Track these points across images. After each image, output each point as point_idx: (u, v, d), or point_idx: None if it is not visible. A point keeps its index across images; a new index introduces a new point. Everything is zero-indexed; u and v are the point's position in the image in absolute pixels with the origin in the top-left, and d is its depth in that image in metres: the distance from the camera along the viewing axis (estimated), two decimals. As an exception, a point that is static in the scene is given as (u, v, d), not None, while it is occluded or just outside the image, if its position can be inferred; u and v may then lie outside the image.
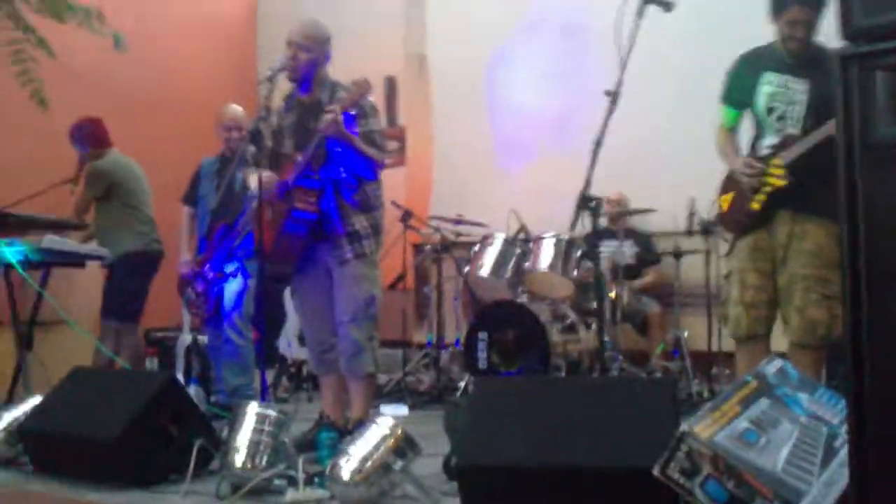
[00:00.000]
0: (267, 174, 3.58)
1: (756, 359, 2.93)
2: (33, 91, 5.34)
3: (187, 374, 5.33)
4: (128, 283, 5.24)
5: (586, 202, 3.20)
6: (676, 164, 5.85)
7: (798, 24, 3.30)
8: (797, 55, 3.36)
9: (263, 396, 3.64)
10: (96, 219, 5.35)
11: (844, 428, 2.13)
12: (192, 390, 4.50)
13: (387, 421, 2.83)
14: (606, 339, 5.02)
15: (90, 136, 5.35)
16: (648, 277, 5.91)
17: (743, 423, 2.21)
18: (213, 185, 4.91)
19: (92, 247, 4.91)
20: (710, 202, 3.94)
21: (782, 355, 3.28)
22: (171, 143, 7.30)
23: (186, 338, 5.63)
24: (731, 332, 3.49)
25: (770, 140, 3.45)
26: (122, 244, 5.20)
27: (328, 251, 3.64)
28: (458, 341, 5.69)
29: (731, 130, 3.64)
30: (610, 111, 3.21)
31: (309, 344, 3.84)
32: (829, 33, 2.22)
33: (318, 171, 3.59)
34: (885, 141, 2.00)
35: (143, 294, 5.31)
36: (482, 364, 4.91)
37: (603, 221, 5.60)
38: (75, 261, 4.76)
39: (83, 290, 5.54)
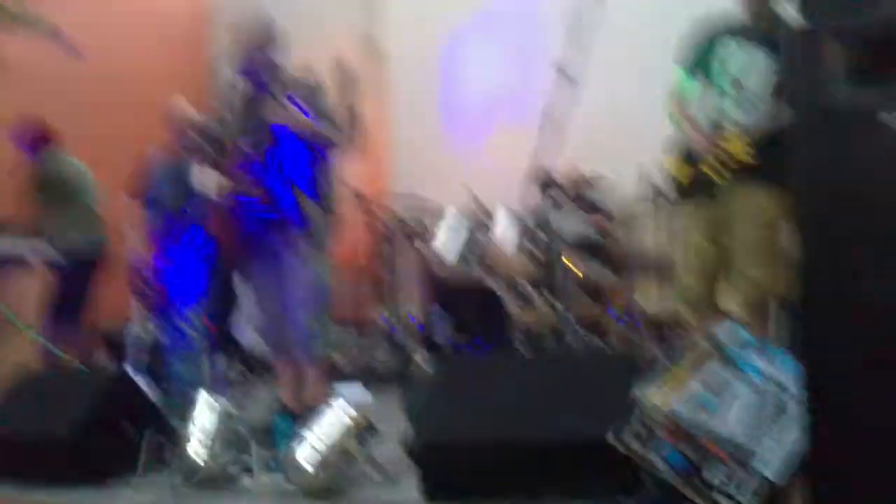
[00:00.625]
0: (220, 180, 3.58)
1: (707, 321, 2.94)
2: None
3: (137, 366, 5.25)
4: (78, 281, 5.14)
5: (541, 178, 3.18)
6: (629, 137, 5.84)
7: None
8: (760, 27, 3.32)
9: (216, 385, 3.60)
10: (44, 218, 5.19)
11: (793, 385, 2.16)
12: (144, 382, 4.43)
13: (343, 404, 2.80)
14: (563, 310, 5.05)
15: (35, 139, 5.25)
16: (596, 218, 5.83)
17: (696, 387, 2.21)
18: (171, 188, 4.79)
19: (37, 246, 4.82)
20: (659, 168, 3.92)
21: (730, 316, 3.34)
22: (123, 141, 7.14)
23: (136, 329, 5.54)
24: (682, 297, 3.50)
25: (734, 111, 3.39)
26: (72, 243, 5.09)
27: (278, 234, 3.58)
28: (411, 317, 5.67)
29: (688, 97, 3.57)
30: (562, 88, 3.17)
31: (263, 330, 3.79)
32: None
33: (263, 154, 3.53)
34: (833, 106, 2.02)
35: (90, 291, 5.22)
36: (440, 340, 4.89)
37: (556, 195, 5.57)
38: (20, 261, 4.68)
39: (27, 291, 5.40)
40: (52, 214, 5.16)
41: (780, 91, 3.21)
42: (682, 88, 3.59)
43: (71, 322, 5.14)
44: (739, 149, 3.31)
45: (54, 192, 5.16)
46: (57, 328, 5.08)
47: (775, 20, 3.29)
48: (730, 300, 3.44)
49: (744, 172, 3.33)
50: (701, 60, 3.49)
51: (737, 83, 3.39)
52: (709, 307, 3.41)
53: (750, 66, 3.35)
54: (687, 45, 3.57)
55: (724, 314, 3.30)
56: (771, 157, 3.07)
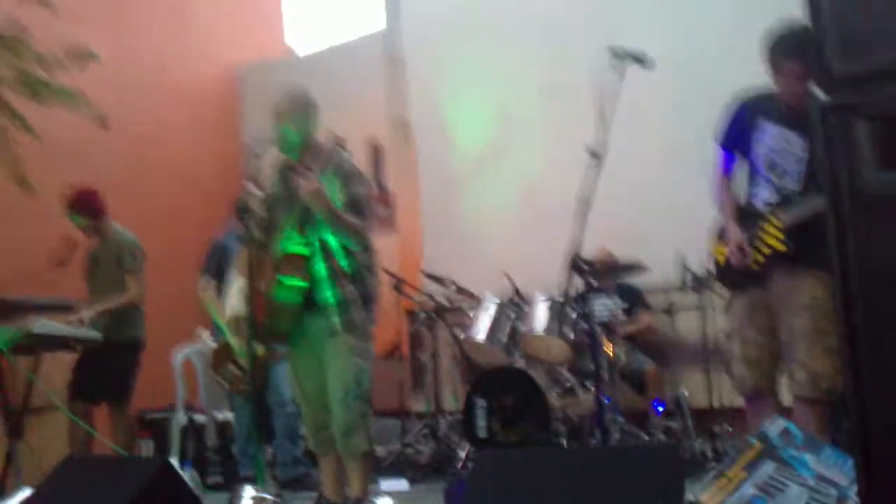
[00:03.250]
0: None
1: (765, 415, 2.87)
2: (17, 177, 5.29)
3: (182, 456, 5.23)
4: (126, 365, 5.15)
5: (578, 265, 3.17)
6: (660, 221, 5.86)
7: (798, 77, 3.20)
8: (797, 109, 3.27)
9: (260, 477, 3.55)
10: (96, 294, 5.16)
11: (854, 489, 2.08)
12: (187, 474, 4.41)
13: (385, 500, 2.76)
14: (606, 400, 4.97)
15: (93, 204, 5.18)
16: (641, 319, 5.81)
17: (749, 490, 2.16)
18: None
19: (83, 330, 4.83)
20: (701, 257, 3.90)
21: (789, 410, 3.25)
22: (155, 215, 7.32)
23: (181, 418, 5.54)
24: (739, 390, 3.45)
25: (767, 195, 3.39)
26: (131, 329, 5.12)
27: (318, 322, 3.55)
28: (455, 409, 5.61)
29: (728, 179, 3.56)
30: (594, 169, 3.19)
31: (305, 422, 3.76)
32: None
33: (307, 236, 3.52)
34: (871, 189, 2.00)
35: (135, 376, 5.22)
36: (481, 432, 4.83)
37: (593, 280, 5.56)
38: (66, 344, 4.69)
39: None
40: (106, 290, 5.13)
41: (815, 174, 3.18)
42: (722, 166, 3.57)
43: (119, 407, 5.13)
44: (775, 236, 3.29)
45: (115, 264, 5.14)
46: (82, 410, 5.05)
47: (809, 100, 3.26)
48: (788, 392, 3.37)
49: (787, 258, 3.30)
50: (742, 139, 3.46)
51: (773, 166, 3.37)
52: (765, 400, 3.34)
53: (793, 155, 3.31)
54: (727, 120, 3.51)
55: (779, 408, 3.23)
56: (815, 246, 3.05)
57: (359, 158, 3.76)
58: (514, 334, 5.17)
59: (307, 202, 3.39)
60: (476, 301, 5.40)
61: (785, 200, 3.32)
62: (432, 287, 5.94)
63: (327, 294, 3.52)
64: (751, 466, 2.22)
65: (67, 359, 5.14)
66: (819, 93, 2.16)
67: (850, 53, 2.02)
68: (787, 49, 3.19)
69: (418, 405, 6.51)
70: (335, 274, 3.53)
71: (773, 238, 3.31)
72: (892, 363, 1.95)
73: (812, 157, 3.26)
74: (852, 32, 2.01)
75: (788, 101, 3.30)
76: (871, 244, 1.98)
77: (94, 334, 4.75)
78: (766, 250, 3.33)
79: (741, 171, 3.56)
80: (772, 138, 3.37)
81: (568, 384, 5.13)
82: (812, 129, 3.21)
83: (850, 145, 2.01)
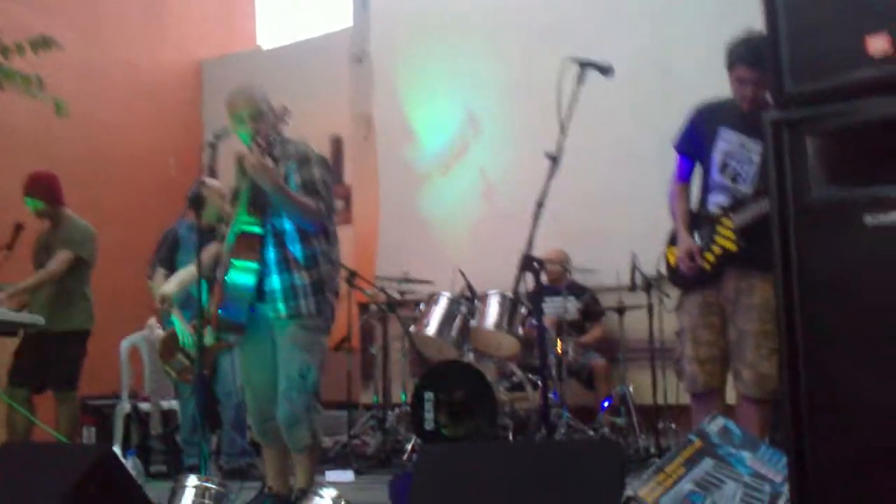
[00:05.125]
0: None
1: (711, 412, 2.94)
2: None
3: (126, 444, 5.17)
4: (72, 353, 5.07)
5: (529, 263, 3.20)
6: (617, 222, 5.94)
7: (745, 82, 3.31)
8: (750, 113, 3.35)
9: (204, 466, 3.52)
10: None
11: (786, 485, 2.15)
12: (130, 462, 4.35)
13: (330, 492, 2.77)
14: (553, 396, 5.04)
15: (51, 190, 5.10)
16: (593, 332, 5.95)
17: (687, 485, 2.21)
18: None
19: (26, 315, 4.75)
20: (652, 257, 3.96)
21: (731, 407, 3.33)
22: (113, 205, 7.25)
23: (125, 405, 5.48)
24: (688, 387, 3.48)
25: (719, 198, 3.46)
26: (73, 320, 5.04)
27: (267, 310, 3.47)
28: (403, 402, 5.63)
29: (686, 185, 3.63)
30: (551, 173, 3.22)
31: (250, 412, 3.71)
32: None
33: (261, 218, 3.43)
34: (817, 205, 2.06)
35: (82, 364, 5.15)
36: (429, 425, 4.86)
37: (544, 277, 5.62)
38: (8, 329, 4.61)
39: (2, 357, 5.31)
40: (63, 285, 5.02)
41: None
42: (681, 172, 3.63)
43: (65, 392, 5.05)
44: (726, 236, 3.36)
45: (79, 261, 5.06)
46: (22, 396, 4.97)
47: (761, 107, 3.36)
48: (732, 390, 3.44)
49: (743, 263, 3.37)
50: (700, 145, 3.53)
51: (728, 170, 3.43)
52: (712, 398, 3.40)
53: (748, 159, 3.38)
54: (687, 127, 3.59)
55: (723, 406, 3.30)
56: (766, 249, 3.11)
57: (319, 150, 3.72)
58: (464, 329, 5.21)
59: (254, 178, 3.31)
60: (428, 295, 5.42)
61: (737, 203, 3.39)
62: (385, 281, 5.95)
63: (275, 281, 3.45)
64: (689, 463, 2.28)
65: (8, 344, 5.06)
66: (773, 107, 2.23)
67: (803, 72, 2.08)
68: (739, 54, 3.31)
69: (367, 397, 6.52)
70: (285, 260, 3.45)
71: (724, 239, 3.38)
72: (828, 369, 2.01)
73: (764, 159, 3.34)
74: (806, 52, 2.07)
75: (739, 104, 3.38)
76: (813, 256, 2.04)
77: (37, 319, 4.68)
78: (718, 250, 3.39)
79: (698, 177, 3.63)
80: (728, 143, 3.44)
81: (516, 379, 5.18)
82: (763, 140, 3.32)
83: (799, 160, 2.07)
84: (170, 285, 4.44)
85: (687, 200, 3.62)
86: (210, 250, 3.66)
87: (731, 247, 3.36)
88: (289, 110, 3.49)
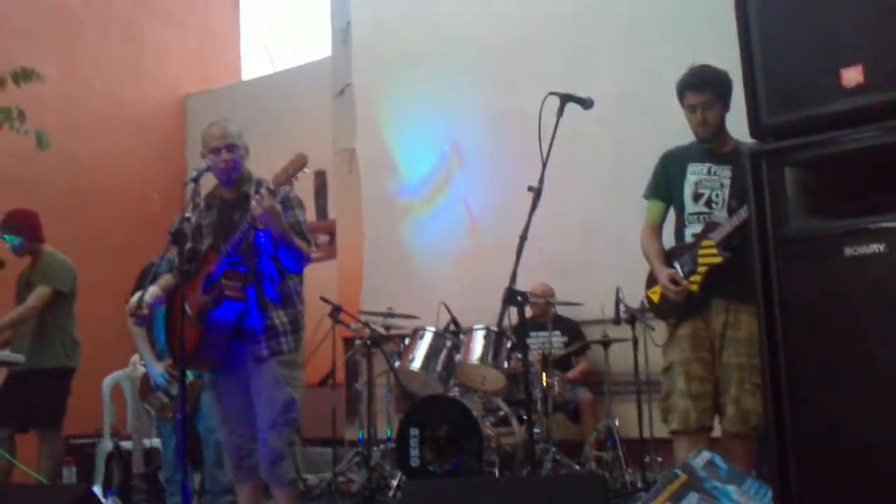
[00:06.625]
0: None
1: (692, 448, 2.91)
2: None
3: (107, 483, 5.10)
4: (55, 392, 5.00)
5: (513, 297, 3.20)
6: (602, 255, 5.95)
7: (695, 107, 3.46)
8: (708, 140, 3.50)
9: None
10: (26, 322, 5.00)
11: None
12: (111, 502, 4.30)
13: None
14: (538, 431, 5.00)
15: (30, 227, 5.08)
16: (579, 367, 5.94)
17: (673, 520, 2.19)
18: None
19: (5, 353, 4.70)
20: (637, 291, 3.97)
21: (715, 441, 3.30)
22: (95, 240, 7.21)
23: (107, 444, 5.42)
24: (680, 425, 3.38)
25: (695, 228, 3.51)
26: (55, 357, 4.98)
27: (245, 348, 3.49)
28: (389, 438, 5.58)
29: (656, 228, 3.69)
30: (533, 206, 3.24)
31: (226, 448, 3.67)
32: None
33: (247, 258, 3.47)
34: (797, 236, 2.07)
35: (65, 403, 5.08)
36: (414, 461, 4.81)
37: (529, 312, 5.62)
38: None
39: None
40: (45, 322, 4.99)
41: (738, 196, 3.36)
42: (652, 216, 3.70)
43: (48, 431, 4.97)
44: (722, 259, 3.36)
45: (60, 297, 5.01)
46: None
47: (738, 147, 3.42)
48: (720, 425, 3.42)
49: (729, 294, 3.37)
50: (672, 186, 3.60)
51: (707, 200, 3.50)
52: (703, 435, 3.36)
53: (719, 183, 3.48)
54: (656, 173, 3.69)
55: (709, 440, 3.28)
56: (751, 278, 3.12)
57: (303, 185, 3.73)
58: (449, 363, 5.18)
59: (263, 221, 3.33)
60: (413, 330, 5.39)
61: (711, 223, 3.45)
62: (370, 316, 5.92)
63: (256, 321, 3.48)
64: (675, 497, 2.26)
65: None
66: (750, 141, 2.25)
67: (780, 104, 2.11)
68: (685, 83, 3.50)
69: (352, 433, 6.45)
70: (264, 300, 3.50)
71: (707, 257, 3.40)
72: (812, 399, 2.01)
73: (735, 185, 3.42)
74: (782, 84, 2.10)
75: (696, 133, 3.52)
76: (794, 287, 2.05)
77: (17, 357, 4.63)
78: (703, 269, 3.41)
79: (670, 223, 3.69)
80: (697, 175, 3.54)
81: (502, 414, 5.14)
82: (736, 163, 3.38)
83: (778, 191, 2.09)
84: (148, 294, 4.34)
85: (660, 241, 3.68)
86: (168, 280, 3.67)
87: (716, 260, 3.38)
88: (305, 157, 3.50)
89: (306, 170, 3.42)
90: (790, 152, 2.09)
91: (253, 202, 3.32)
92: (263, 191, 3.32)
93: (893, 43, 1.92)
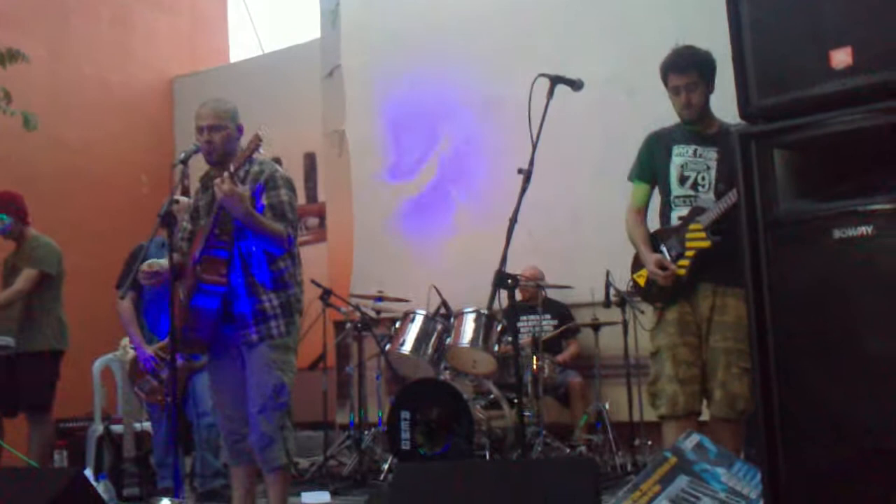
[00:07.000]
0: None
1: (680, 431, 2.92)
2: None
3: (98, 467, 5.09)
4: (47, 375, 5.00)
5: (503, 280, 3.19)
6: (592, 238, 5.95)
7: (679, 89, 3.45)
8: (693, 121, 3.48)
9: (178, 489, 3.48)
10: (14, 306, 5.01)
11: (761, 502, 2.14)
12: (102, 486, 4.29)
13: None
14: (528, 414, 5.02)
15: (18, 208, 5.07)
16: (569, 350, 5.95)
17: (663, 503, 2.19)
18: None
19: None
20: (626, 273, 3.97)
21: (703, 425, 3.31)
22: (84, 223, 7.18)
23: (98, 428, 5.40)
24: (668, 410, 3.38)
25: (682, 211, 3.49)
26: (44, 340, 4.97)
27: (237, 333, 3.47)
28: (380, 420, 5.59)
29: (641, 211, 3.67)
30: (523, 189, 3.23)
31: (222, 433, 3.67)
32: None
33: (230, 242, 3.44)
34: (786, 218, 2.07)
35: (55, 386, 5.07)
36: (405, 444, 4.82)
37: (519, 295, 5.63)
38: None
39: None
40: (34, 304, 4.99)
41: (725, 178, 3.35)
42: (637, 199, 3.68)
43: (40, 415, 4.96)
44: (697, 237, 3.37)
45: (48, 279, 4.99)
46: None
47: (724, 128, 3.43)
48: (707, 409, 3.43)
49: (716, 277, 3.36)
50: (657, 168, 3.59)
51: (693, 182, 3.48)
52: (692, 420, 3.35)
53: (705, 165, 3.46)
54: (641, 154, 3.67)
55: (697, 424, 3.28)
56: (737, 261, 3.13)
57: (292, 168, 3.70)
58: (440, 347, 5.19)
59: (225, 205, 3.30)
60: (403, 313, 5.40)
61: (699, 207, 3.43)
62: (360, 299, 5.92)
63: (245, 305, 3.46)
64: (665, 480, 2.27)
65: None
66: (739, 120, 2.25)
67: (769, 86, 2.10)
68: (668, 64, 3.48)
69: (343, 417, 6.46)
70: (252, 284, 3.47)
71: (695, 240, 3.39)
72: (800, 382, 2.02)
73: (722, 167, 3.41)
74: (771, 66, 2.10)
75: (682, 115, 3.50)
76: (783, 269, 2.05)
77: (7, 340, 4.62)
78: (691, 253, 3.40)
79: (654, 207, 3.68)
80: (682, 157, 3.52)
81: (492, 397, 5.16)
82: (722, 145, 3.37)
83: (768, 173, 2.09)
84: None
85: (645, 225, 3.66)
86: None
87: (704, 244, 3.37)
88: (260, 137, 3.45)
89: (261, 150, 3.38)
90: (779, 134, 2.09)
91: (214, 188, 3.30)
92: (225, 175, 3.28)
93: (882, 25, 1.92)
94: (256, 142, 3.33)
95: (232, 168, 3.31)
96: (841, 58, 1.94)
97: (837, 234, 1.96)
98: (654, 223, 3.68)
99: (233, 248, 3.45)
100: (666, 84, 3.50)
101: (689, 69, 3.42)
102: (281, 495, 3.51)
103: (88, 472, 4.66)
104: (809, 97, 2.04)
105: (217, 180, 3.29)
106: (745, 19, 2.10)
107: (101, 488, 4.10)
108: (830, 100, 1.98)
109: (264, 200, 3.45)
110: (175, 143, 8.38)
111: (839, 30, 1.97)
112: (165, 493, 3.86)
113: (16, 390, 4.89)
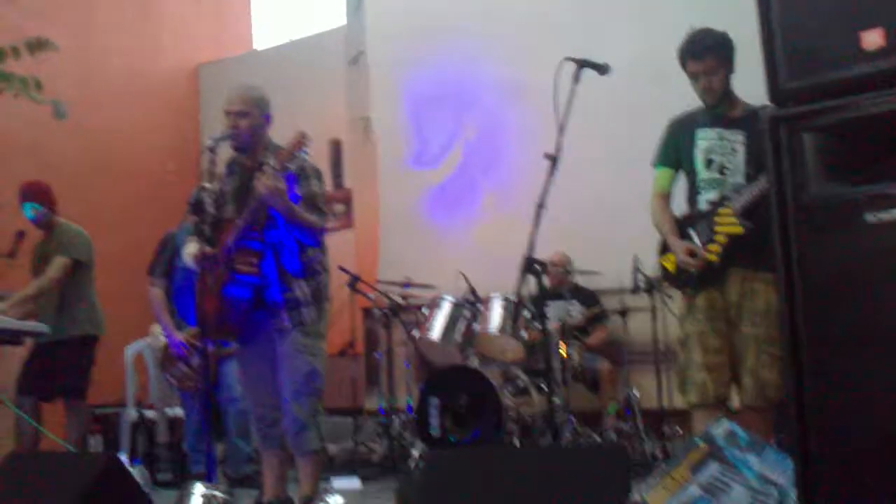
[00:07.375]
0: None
1: (710, 419, 2.90)
2: None
3: (132, 452, 5.17)
4: (80, 361, 5.06)
5: (531, 265, 3.19)
6: (620, 223, 5.91)
7: (698, 75, 3.42)
8: (715, 105, 3.45)
9: (211, 474, 3.52)
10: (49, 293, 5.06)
11: (793, 490, 2.13)
12: (137, 470, 4.35)
13: (336, 499, 2.76)
14: (557, 400, 5.02)
15: (48, 198, 5.13)
16: (598, 334, 5.93)
17: (694, 490, 2.19)
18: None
19: (31, 323, 4.74)
20: (654, 259, 3.95)
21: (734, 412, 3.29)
22: (112, 211, 7.25)
23: (131, 413, 5.48)
24: (698, 398, 3.35)
25: (710, 195, 3.45)
26: (78, 326, 5.03)
27: (268, 320, 3.53)
28: (409, 407, 5.62)
29: (665, 196, 3.63)
30: (550, 174, 3.22)
31: (252, 418, 3.72)
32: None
33: (261, 233, 3.48)
34: (816, 202, 2.04)
35: (89, 372, 5.14)
36: (435, 431, 4.84)
37: (547, 281, 5.61)
38: (12, 338, 4.59)
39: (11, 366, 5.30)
40: (68, 291, 5.03)
41: (755, 161, 3.31)
42: (661, 185, 3.64)
43: (75, 401, 5.04)
44: (729, 222, 3.33)
45: (80, 266, 5.04)
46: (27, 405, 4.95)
47: (750, 111, 3.39)
48: (737, 398, 3.40)
49: (746, 262, 3.33)
50: (681, 153, 3.56)
51: (720, 167, 3.44)
52: (722, 407, 3.33)
53: (731, 148, 3.41)
54: (664, 140, 3.64)
55: (727, 412, 3.25)
56: (768, 247, 3.10)
57: (318, 155, 3.71)
58: (468, 333, 5.19)
59: (266, 200, 3.34)
60: (431, 299, 5.41)
61: (724, 196, 3.39)
62: (388, 285, 5.94)
63: (276, 294, 3.50)
64: (696, 467, 2.26)
65: (16, 353, 5.04)
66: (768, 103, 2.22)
67: (798, 68, 2.07)
68: (685, 50, 3.44)
69: (372, 403, 6.50)
70: (284, 273, 3.51)
71: (727, 225, 3.34)
72: (832, 368, 2.00)
73: (750, 150, 3.36)
74: (800, 48, 2.07)
75: (703, 100, 3.46)
76: (814, 255, 2.03)
77: (41, 327, 4.67)
78: (722, 238, 3.35)
79: (678, 187, 3.65)
80: (707, 140, 3.48)
81: (521, 384, 5.16)
82: (748, 127, 3.33)
83: (797, 157, 2.06)
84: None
85: (670, 209, 3.62)
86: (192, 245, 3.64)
87: (736, 230, 3.31)
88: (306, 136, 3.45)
89: (305, 149, 3.40)
90: (809, 117, 2.06)
91: (255, 183, 3.32)
92: (267, 169, 3.31)
93: (916, 6, 1.89)
94: (302, 140, 3.35)
95: (275, 164, 3.33)
96: (872, 39, 1.91)
97: (869, 217, 1.94)
98: (681, 207, 3.65)
99: (264, 238, 3.48)
100: (685, 69, 3.46)
101: (705, 55, 3.38)
102: (312, 479, 3.55)
103: (124, 457, 4.73)
104: (840, 79, 2.01)
105: (258, 174, 3.31)
106: (774, 1, 2.07)
107: (136, 473, 4.16)
108: (861, 82, 1.95)
109: (298, 191, 3.48)
110: (201, 131, 8.43)
111: (870, 10, 1.94)
112: (198, 478, 3.90)
113: (52, 376, 4.96)
